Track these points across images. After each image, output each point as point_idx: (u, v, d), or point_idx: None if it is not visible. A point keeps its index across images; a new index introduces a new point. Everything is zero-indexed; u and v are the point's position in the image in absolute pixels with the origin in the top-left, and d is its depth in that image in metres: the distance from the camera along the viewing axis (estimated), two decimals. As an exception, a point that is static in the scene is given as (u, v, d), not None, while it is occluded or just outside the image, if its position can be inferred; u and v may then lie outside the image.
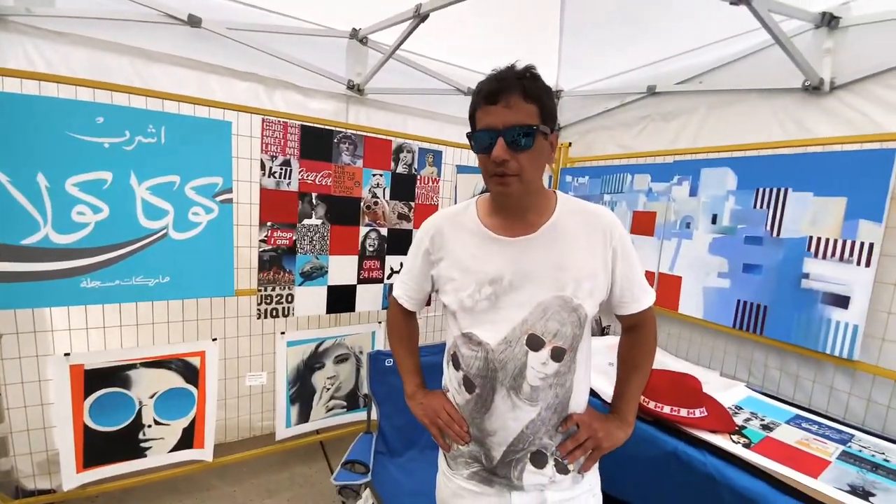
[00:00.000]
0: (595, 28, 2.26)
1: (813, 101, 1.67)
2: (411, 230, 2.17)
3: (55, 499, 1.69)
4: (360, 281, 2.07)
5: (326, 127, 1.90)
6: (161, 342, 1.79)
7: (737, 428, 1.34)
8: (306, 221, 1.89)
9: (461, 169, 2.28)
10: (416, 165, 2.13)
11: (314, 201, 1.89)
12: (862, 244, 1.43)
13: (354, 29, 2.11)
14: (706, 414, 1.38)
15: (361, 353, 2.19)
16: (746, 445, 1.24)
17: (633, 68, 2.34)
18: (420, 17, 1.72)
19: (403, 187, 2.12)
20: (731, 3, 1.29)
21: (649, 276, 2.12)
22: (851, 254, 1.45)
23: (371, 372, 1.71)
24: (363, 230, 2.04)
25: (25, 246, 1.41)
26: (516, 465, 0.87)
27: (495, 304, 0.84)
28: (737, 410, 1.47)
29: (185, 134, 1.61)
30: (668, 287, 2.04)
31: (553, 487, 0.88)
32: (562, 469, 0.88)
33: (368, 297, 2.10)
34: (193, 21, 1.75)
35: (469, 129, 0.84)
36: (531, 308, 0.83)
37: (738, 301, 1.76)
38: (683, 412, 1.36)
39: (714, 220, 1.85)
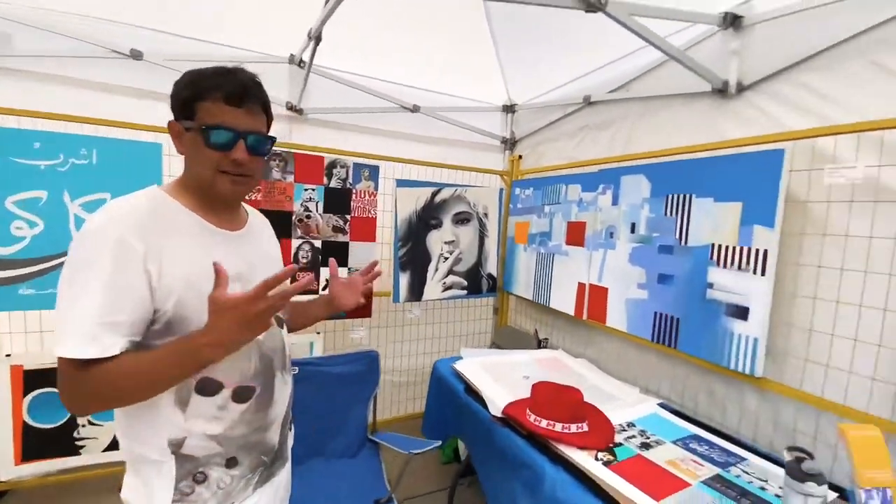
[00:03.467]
0: (530, 43, 2.28)
1: (723, 104, 1.60)
2: (347, 242, 2.23)
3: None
4: (294, 291, 2.14)
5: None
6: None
7: (611, 445, 1.27)
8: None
9: (401, 183, 2.34)
10: (350, 180, 2.21)
11: (245, 215, 2.01)
12: (757, 251, 1.34)
13: (292, 55, 2.25)
14: (586, 430, 1.32)
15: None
16: (607, 463, 1.17)
17: (573, 79, 2.33)
18: (315, 38, 1.81)
19: (338, 201, 2.20)
20: (587, 11, 1.28)
21: (581, 286, 2.06)
22: (748, 261, 1.36)
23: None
24: (295, 242, 2.13)
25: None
26: (285, 438, 0.94)
27: None
28: (627, 427, 1.40)
29: (116, 155, 1.77)
30: (596, 299, 1.97)
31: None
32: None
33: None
34: (135, 55, 1.95)
35: (183, 118, 0.78)
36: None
37: (655, 313, 1.68)
38: (559, 427, 1.31)
39: (633, 228, 1.79)
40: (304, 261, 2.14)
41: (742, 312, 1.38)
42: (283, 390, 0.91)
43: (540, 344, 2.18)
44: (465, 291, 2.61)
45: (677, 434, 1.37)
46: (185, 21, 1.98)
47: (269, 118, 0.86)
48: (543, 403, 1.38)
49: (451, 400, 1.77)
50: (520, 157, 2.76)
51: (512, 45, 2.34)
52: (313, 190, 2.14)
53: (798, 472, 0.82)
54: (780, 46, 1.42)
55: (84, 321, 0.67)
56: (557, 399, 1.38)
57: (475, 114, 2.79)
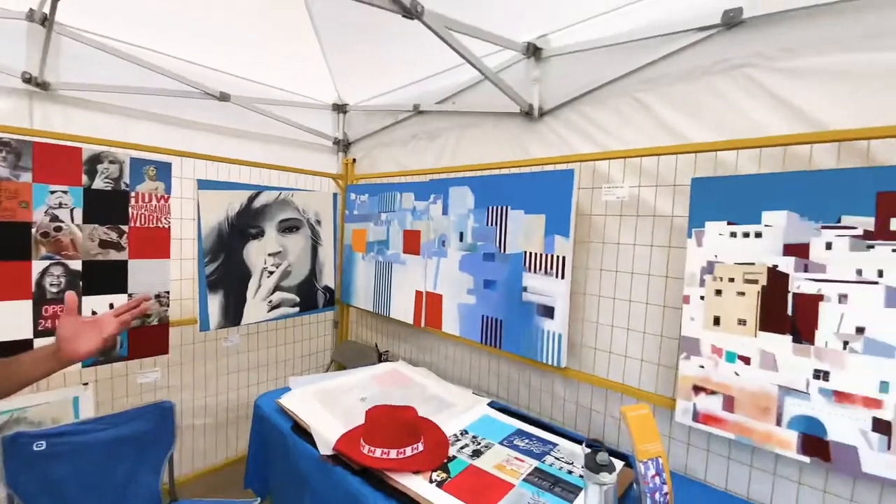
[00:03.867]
0: (357, 43, 2.17)
1: (530, 125, 1.78)
2: (126, 261, 1.73)
3: None
4: (41, 333, 1.55)
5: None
6: None
7: (445, 461, 1.26)
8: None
9: (204, 184, 1.94)
10: (126, 180, 1.72)
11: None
12: (558, 257, 1.52)
13: (32, 9, 1.63)
14: (421, 449, 1.28)
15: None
16: (441, 483, 1.15)
17: (402, 86, 2.31)
18: None
19: (106, 207, 1.68)
20: (404, 16, 1.24)
21: (419, 294, 2.06)
22: (552, 267, 1.54)
23: (8, 462, 1.24)
24: (38, 265, 1.54)
25: None
26: None
27: None
28: (461, 435, 1.42)
29: None
30: (433, 306, 1.99)
31: None
32: None
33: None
34: None
35: None
36: None
37: (483, 316, 1.77)
38: (393, 453, 1.23)
39: (461, 237, 1.86)
40: (55, 289, 1.57)
41: (549, 312, 1.55)
42: None
43: (381, 357, 2.10)
44: (297, 308, 2.34)
45: (504, 433, 1.45)
46: None
47: None
48: (378, 429, 1.29)
49: (276, 442, 1.53)
50: (353, 160, 2.63)
51: (338, 43, 2.20)
52: (65, 193, 1.59)
53: (594, 464, 0.92)
54: (570, 79, 1.64)
55: None
56: (392, 422, 1.30)
57: (302, 110, 2.54)
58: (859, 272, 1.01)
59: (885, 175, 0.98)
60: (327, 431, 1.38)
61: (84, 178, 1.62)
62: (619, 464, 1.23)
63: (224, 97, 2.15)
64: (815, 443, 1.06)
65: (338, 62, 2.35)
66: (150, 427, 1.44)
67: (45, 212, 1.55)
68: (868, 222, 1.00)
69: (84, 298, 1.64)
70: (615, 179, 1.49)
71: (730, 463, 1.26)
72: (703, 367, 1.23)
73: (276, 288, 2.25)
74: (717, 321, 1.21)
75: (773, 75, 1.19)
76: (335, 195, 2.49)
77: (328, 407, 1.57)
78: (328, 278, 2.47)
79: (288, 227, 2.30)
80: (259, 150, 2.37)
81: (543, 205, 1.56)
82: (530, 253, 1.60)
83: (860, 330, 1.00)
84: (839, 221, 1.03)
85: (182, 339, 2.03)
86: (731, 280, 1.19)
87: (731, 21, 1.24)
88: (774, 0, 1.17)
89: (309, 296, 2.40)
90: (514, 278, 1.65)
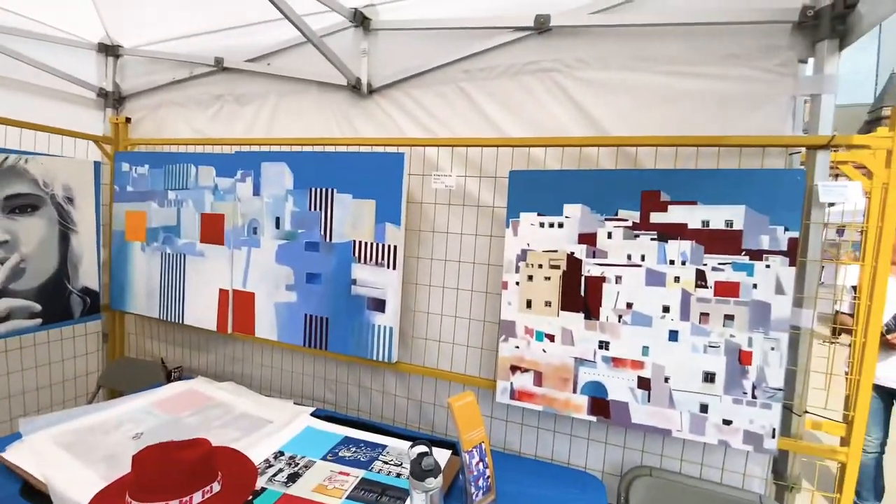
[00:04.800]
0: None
1: (358, 101, 1.62)
2: None
3: None
4: None
5: None
6: None
7: (250, 498, 1.03)
8: None
9: None
10: None
11: None
12: (389, 247, 1.43)
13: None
14: (219, 489, 1.01)
15: None
16: (244, 526, 0.93)
17: (201, 32, 1.85)
18: None
19: None
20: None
21: (224, 294, 1.69)
22: (383, 257, 1.44)
23: None
24: None
25: None
26: None
27: None
28: (275, 459, 1.19)
29: None
30: (242, 307, 1.66)
31: None
32: None
33: None
34: None
35: None
36: None
37: (306, 316, 1.56)
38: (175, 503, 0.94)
39: (277, 223, 1.59)
40: None
41: (380, 305, 1.45)
42: None
43: (171, 375, 1.65)
44: (38, 320, 1.67)
45: (328, 444, 1.29)
46: None
47: None
48: (150, 478, 0.96)
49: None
50: (128, 120, 2.01)
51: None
52: None
53: (419, 470, 0.85)
54: (400, 58, 1.54)
55: None
56: (170, 465, 0.99)
57: (49, 46, 1.80)
58: (629, 257, 1.20)
59: (647, 177, 1.19)
60: (75, 488, 0.98)
61: None
62: (446, 454, 1.22)
63: None
64: (599, 403, 1.24)
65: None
66: None
67: None
68: (635, 216, 1.19)
69: None
70: (443, 167, 1.47)
71: (539, 432, 1.40)
72: (517, 347, 1.32)
73: (3, 293, 1.55)
74: (529, 304, 1.31)
75: (572, 82, 1.33)
76: (97, 164, 1.85)
77: (81, 455, 1.13)
78: (88, 277, 1.83)
79: (19, 207, 1.61)
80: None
81: (374, 189, 1.43)
82: (360, 242, 1.46)
83: (629, 305, 1.20)
84: (616, 214, 1.21)
85: None
86: (540, 266, 1.29)
87: (542, 27, 1.34)
88: (571, 15, 1.30)
89: (57, 302, 1.73)
90: (341, 270, 1.49)
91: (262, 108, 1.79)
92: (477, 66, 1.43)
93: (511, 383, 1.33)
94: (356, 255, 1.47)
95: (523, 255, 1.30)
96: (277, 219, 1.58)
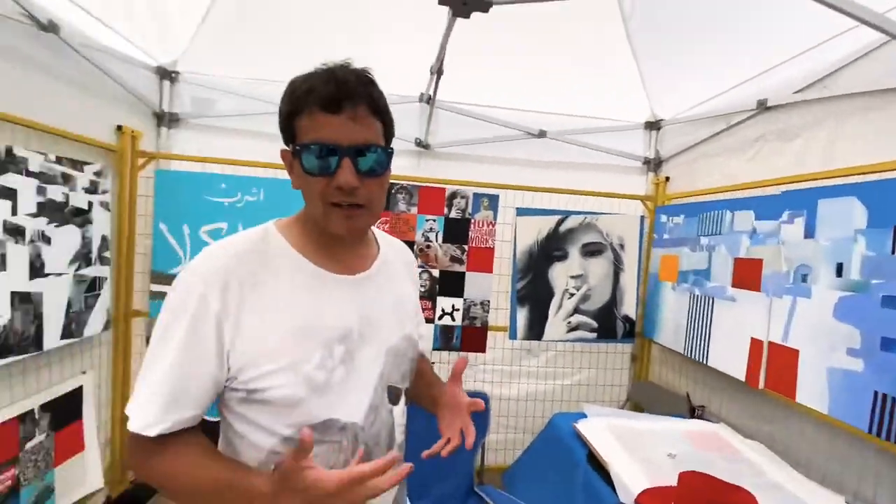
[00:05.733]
0: (676, 47, 1.95)
1: None
2: (464, 273, 2.18)
3: None
4: (413, 319, 2.17)
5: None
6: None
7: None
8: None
9: (522, 211, 2.21)
10: (469, 210, 2.18)
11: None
12: None
13: (422, 93, 2.37)
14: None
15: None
16: None
17: (738, 84, 1.90)
18: (437, 72, 1.86)
19: (456, 231, 2.18)
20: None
21: (756, 343, 1.59)
22: None
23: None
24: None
25: (171, 273, 2.04)
26: None
27: (352, 367, 0.66)
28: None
29: (281, 193, 2.08)
30: (780, 363, 1.48)
31: None
32: None
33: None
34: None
35: (289, 142, 0.64)
36: (384, 357, 0.71)
37: (876, 393, 1.16)
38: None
39: (839, 271, 1.30)
40: (423, 289, 2.16)
41: None
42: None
43: (694, 412, 1.73)
44: (594, 334, 2.29)
45: None
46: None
47: (387, 123, 0.65)
48: (695, 501, 1.04)
49: (562, 466, 1.50)
50: (667, 178, 2.37)
51: (655, 53, 2.06)
52: (434, 220, 2.17)
53: None
54: None
55: (143, 391, 0.58)
56: (716, 500, 1.03)
57: (611, 134, 2.51)
58: None
59: None
60: (628, 477, 1.24)
61: (445, 210, 2.18)
62: None
63: (541, 134, 2.41)
64: None
65: (653, 75, 2.19)
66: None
67: (422, 234, 2.17)
68: None
69: (439, 298, 2.18)
70: None
71: None
72: None
73: (576, 310, 2.28)
74: None
75: None
76: (642, 218, 2.31)
77: (628, 449, 1.42)
78: (629, 307, 2.30)
79: (591, 251, 2.30)
80: (566, 177, 2.50)
81: None
82: None
83: None
84: None
85: (495, 343, 2.36)
86: None
87: None
88: None
89: (607, 323, 2.30)
90: (962, 343, 1.00)
91: (813, 140, 1.56)
92: None
93: None
94: None
95: None
96: (839, 265, 1.30)
